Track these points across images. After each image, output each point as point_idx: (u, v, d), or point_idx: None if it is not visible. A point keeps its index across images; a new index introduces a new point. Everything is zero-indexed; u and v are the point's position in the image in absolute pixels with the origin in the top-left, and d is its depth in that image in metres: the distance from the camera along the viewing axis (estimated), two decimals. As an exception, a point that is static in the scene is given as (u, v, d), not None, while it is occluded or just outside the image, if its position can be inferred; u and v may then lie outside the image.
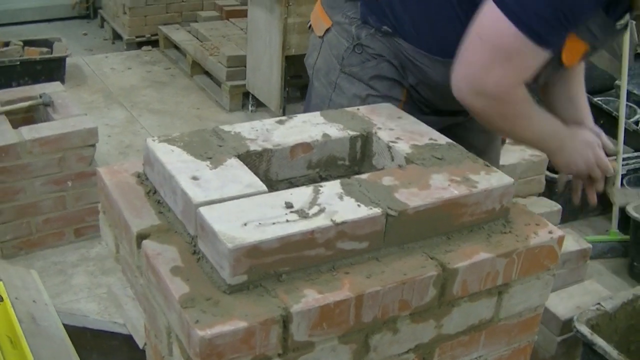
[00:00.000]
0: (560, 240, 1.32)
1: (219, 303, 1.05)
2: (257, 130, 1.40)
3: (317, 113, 1.50)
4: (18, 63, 4.70)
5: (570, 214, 3.61)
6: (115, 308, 1.99)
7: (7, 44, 4.91)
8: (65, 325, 1.66)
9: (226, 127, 1.40)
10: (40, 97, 3.20)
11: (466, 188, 1.25)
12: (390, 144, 1.40)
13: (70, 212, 3.12)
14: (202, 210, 1.12)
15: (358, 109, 1.54)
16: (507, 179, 1.30)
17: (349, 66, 1.80)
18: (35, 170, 2.95)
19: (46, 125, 3.03)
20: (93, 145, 3.06)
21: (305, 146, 1.38)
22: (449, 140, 1.43)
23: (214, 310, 1.04)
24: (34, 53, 4.83)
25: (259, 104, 4.78)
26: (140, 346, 1.60)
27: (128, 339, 1.72)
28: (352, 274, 1.13)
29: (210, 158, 1.28)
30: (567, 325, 2.53)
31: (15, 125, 3.04)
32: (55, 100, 3.22)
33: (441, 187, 1.24)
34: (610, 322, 2.43)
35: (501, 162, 2.97)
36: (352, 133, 1.43)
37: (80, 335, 1.70)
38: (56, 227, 3.12)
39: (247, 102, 4.85)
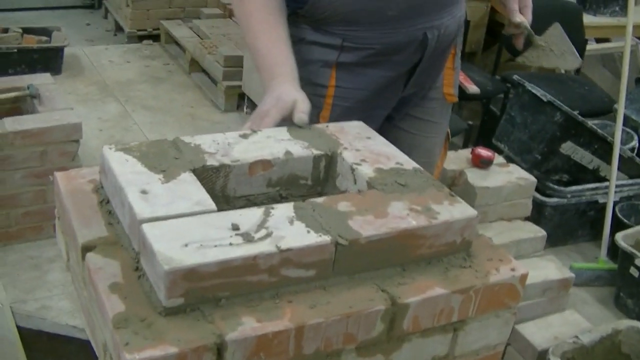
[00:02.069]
0: (523, 278, 1.27)
1: (152, 325, 1.01)
2: (218, 143, 1.36)
3: (284, 128, 1.46)
4: (15, 51, 4.66)
5: (560, 239, 3.57)
6: (78, 311, 1.95)
7: (6, 31, 4.87)
8: (20, 328, 1.62)
9: (187, 139, 1.36)
10: (28, 88, 3.17)
11: (426, 219, 1.20)
12: (354, 166, 1.35)
13: (50, 206, 3.07)
14: (145, 227, 1.08)
15: (327, 126, 1.50)
16: (470, 211, 1.25)
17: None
18: (16, 162, 2.91)
19: (30, 117, 3.00)
20: (77, 141, 3.02)
21: (265, 163, 1.34)
22: (416, 166, 1.38)
23: (146, 333, 1.00)
24: (31, 41, 4.80)
25: (254, 106, 4.72)
26: (97, 354, 1.56)
27: (86, 345, 1.68)
28: (295, 303, 1.08)
29: (164, 171, 1.24)
30: (542, 355, 2.49)
31: (1, 115, 3.00)
32: (43, 92, 3.18)
33: (399, 216, 1.20)
34: (587, 356, 2.40)
35: (487, 184, 2.93)
36: (316, 152, 1.39)
37: (36, 338, 1.66)
38: (35, 220, 3.08)
39: (242, 103, 4.81)
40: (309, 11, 1.74)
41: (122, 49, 5.66)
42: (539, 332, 2.55)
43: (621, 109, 3.39)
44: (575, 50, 2.16)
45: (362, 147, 1.43)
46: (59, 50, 4.87)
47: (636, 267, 3.10)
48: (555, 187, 3.52)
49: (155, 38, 5.84)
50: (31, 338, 1.63)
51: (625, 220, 3.51)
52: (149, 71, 5.29)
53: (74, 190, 1.32)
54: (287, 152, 1.36)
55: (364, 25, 1.75)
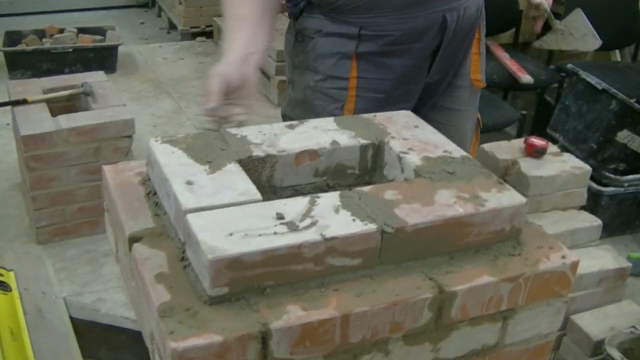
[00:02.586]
0: (574, 265, 1.24)
1: (197, 314, 1.02)
2: (264, 134, 1.36)
3: (331, 119, 1.46)
4: (70, 50, 4.75)
5: (617, 229, 3.50)
6: (129, 302, 1.97)
7: (61, 31, 4.96)
8: (74, 319, 1.65)
9: (233, 130, 1.37)
10: (82, 86, 3.22)
11: (473, 206, 1.18)
12: (401, 155, 1.34)
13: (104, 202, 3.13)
14: (190, 217, 1.08)
15: (374, 116, 1.49)
16: (519, 198, 1.23)
17: (296, 58, 1.83)
18: (71, 159, 2.96)
19: (84, 114, 3.04)
20: (130, 137, 3.06)
21: (312, 153, 1.33)
22: (464, 154, 1.36)
23: (190, 322, 1.00)
24: (86, 41, 4.88)
25: (306, 100, 4.74)
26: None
27: (138, 335, 1.70)
28: (341, 292, 1.08)
29: (209, 162, 1.24)
30: (599, 346, 2.44)
31: (56, 113, 3.06)
32: (96, 89, 3.23)
33: (446, 204, 1.18)
34: (643, 346, 2.34)
35: (540, 173, 2.88)
36: (362, 141, 1.38)
37: (89, 329, 1.69)
38: (90, 215, 3.13)
39: (294, 97, 4.81)
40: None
41: (176, 47, 5.71)
42: (595, 323, 2.50)
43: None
44: (595, 33, 2.11)
45: (410, 135, 1.42)
46: (113, 49, 4.94)
47: (696, 257, 3.03)
48: (612, 176, 3.45)
49: (208, 35, 5.88)
50: (85, 329, 1.66)
51: (684, 210, 3.43)
52: (202, 67, 5.33)
53: (122, 183, 1.34)
54: (334, 142, 1.36)
55: (381, 11, 1.72)
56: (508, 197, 1.23)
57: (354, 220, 1.11)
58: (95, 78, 3.35)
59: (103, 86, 3.27)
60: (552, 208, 2.91)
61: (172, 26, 6.10)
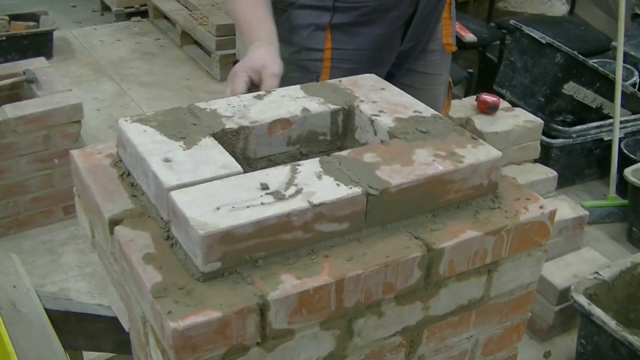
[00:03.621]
0: (552, 215, 1.26)
1: (192, 292, 1.00)
2: (233, 106, 1.34)
3: (298, 87, 1.44)
4: (4, 38, 4.63)
5: (568, 179, 3.57)
6: (101, 289, 1.95)
7: (-8, 19, 4.83)
8: (48, 310, 1.62)
9: (202, 105, 1.34)
10: (24, 73, 3.14)
11: (451, 163, 1.19)
12: (373, 118, 1.34)
13: (57, 190, 3.08)
14: (174, 194, 1.06)
15: (340, 81, 1.48)
16: (494, 152, 1.24)
17: None
18: (21, 148, 2.90)
19: (30, 102, 2.98)
20: (78, 122, 3.01)
21: (284, 122, 1.32)
22: (435, 112, 1.37)
23: (187, 300, 0.99)
24: (20, 27, 4.76)
25: (250, 74, 4.70)
26: (126, 329, 1.56)
27: (114, 321, 1.67)
28: (332, 257, 1.08)
29: (183, 138, 1.22)
30: (564, 294, 2.50)
31: (-1, 103, 2.98)
32: (39, 76, 3.16)
33: (425, 162, 1.19)
34: (608, 291, 2.40)
35: (495, 129, 2.92)
36: (332, 107, 1.37)
37: (63, 319, 1.65)
38: (44, 205, 3.08)
39: (238, 71, 4.77)
40: None
41: (112, 28, 5.61)
42: (558, 272, 2.55)
43: (620, 45, 3.37)
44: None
45: (378, 98, 1.41)
46: (49, 34, 4.83)
47: (647, 200, 3.11)
48: (560, 127, 3.51)
49: (143, 14, 5.80)
50: (59, 320, 1.62)
51: (632, 156, 3.51)
52: (140, 48, 5.25)
53: (93, 166, 1.31)
54: (305, 109, 1.35)
55: None
56: (484, 152, 1.24)
57: (338, 185, 1.10)
58: (36, 64, 3.27)
59: (46, 72, 3.20)
60: (507, 163, 2.96)
61: (106, 8, 5.98)
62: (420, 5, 1.79)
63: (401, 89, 1.89)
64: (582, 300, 2.26)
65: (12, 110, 2.87)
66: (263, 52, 1.57)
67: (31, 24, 4.85)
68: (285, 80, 1.70)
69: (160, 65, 4.98)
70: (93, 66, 4.90)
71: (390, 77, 1.93)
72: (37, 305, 1.58)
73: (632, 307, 2.50)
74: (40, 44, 4.77)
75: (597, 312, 2.22)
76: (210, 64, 4.86)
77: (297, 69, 1.80)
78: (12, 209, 3.01)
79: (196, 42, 5.12)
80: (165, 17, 5.52)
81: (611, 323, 2.18)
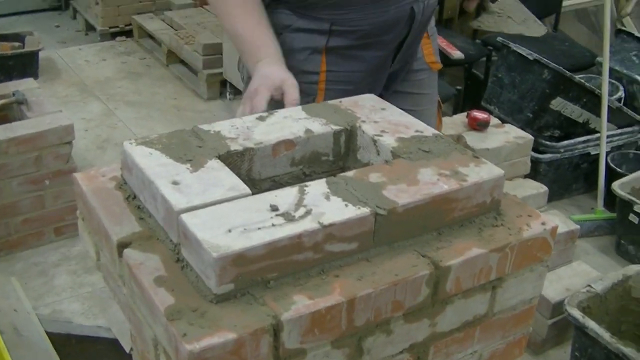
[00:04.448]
0: (554, 231, 1.28)
1: (205, 314, 1.01)
2: (237, 128, 1.36)
3: (299, 107, 1.46)
4: (-10, 59, 4.60)
5: (556, 194, 3.60)
6: (100, 311, 1.94)
7: (-24, 41, 4.81)
8: (48, 333, 1.62)
9: (205, 127, 1.36)
10: (14, 94, 3.13)
11: (456, 182, 1.21)
12: (376, 138, 1.36)
13: (49, 211, 3.07)
14: (184, 217, 1.07)
15: (340, 102, 1.50)
16: (497, 171, 1.26)
17: None
18: (12, 170, 2.89)
19: (21, 124, 2.97)
20: (70, 143, 3.00)
21: (288, 143, 1.34)
22: (436, 132, 1.39)
23: (201, 322, 1.00)
24: (5, 48, 4.73)
25: (237, 92, 4.72)
26: (127, 350, 1.56)
27: (114, 343, 1.68)
28: (342, 277, 1.09)
29: (190, 160, 1.23)
30: (557, 308, 2.52)
31: (-11, 125, 2.97)
32: (29, 97, 3.15)
33: (430, 182, 1.21)
34: (601, 303, 2.42)
35: (486, 145, 2.95)
36: (335, 127, 1.39)
37: (64, 342, 1.66)
38: (35, 227, 3.07)
39: (224, 90, 4.79)
40: None
41: (96, 48, 5.60)
42: (550, 286, 2.57)
43: (606, 61, 3.42)
44: (536, 19, 2.16)
45: (380, 118, 1.43)
46: (34, 55, 4.81)
47: (635, 213, 3.14)
48: (548, 143, 3.55)
49: (128, 34, 5.79)
50: (60, 343, 1.62)
51: (618, 169, 3.55)
52: (126, 67, 5.25)
53: (97, 189, 1.31)
54: (307, 130, 1.36)
55: (354, 7, 1.72)
56: (487, 171, 1.26)
57: (346, 205, 1.12)
58: (25, 85, 3.26)
59: (35, 93, 3.20)
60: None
61: (90, 27, 5.97)
62: (413, 29, 1.81)
63: None
64: (576, 313, 2.28)
65: (3, 132, 2.86)
66: (277, 68, 1.61)
67: (16, 44, 4.83)
68: (280, 104, 1.71)
69: (147, 84, 4.98)
70: (79, 86, 4.89)
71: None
72: (38, 329, 1.58)
73: (623, 319, 2.53)
74: (25, 65, 4.75)
75: (591, 324, 2.24)
76: (197, 83, 4.87)
77: None
78: (3, 230, 2.99)
79: (182, 61, 5.12)
80: (150, 37, 5.52)
81: (605, 335, 2.20)
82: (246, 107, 1.56)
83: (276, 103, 1.55)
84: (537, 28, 2.36)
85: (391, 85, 1.95)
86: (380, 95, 1.90)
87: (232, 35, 1.70)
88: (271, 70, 1.60)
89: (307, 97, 1.75)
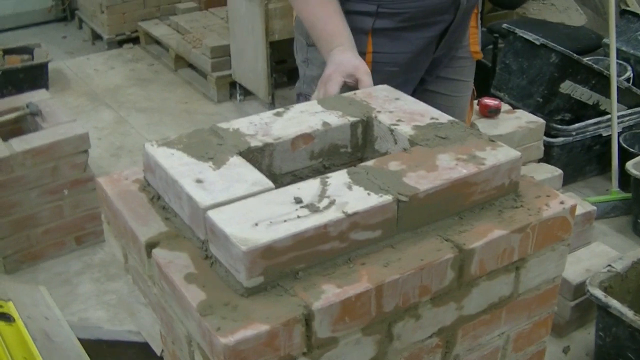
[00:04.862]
0: (573, 209, 1.30)
1: (237, 307, 1.03)
2: (255, 125, 1.38)
3: (314, 101, 1.48)
4: (0, 73, 4.64)
5: (570, 177, 3.60)
6: (128, 316, 1.97)
7: (-15, 55, 4.86)
8: (79, 339, 1.64)
9: (224, 125, 1.38)
10: (27, 106, 3.16)
11: (474, 166, 1.23)
12: (392, 127, 1.37)
13: (68, 220, 3.09)
14: (211, 213, 1.09)
15: (355, 94, 1.52)
16: (514, 153, 1.28)
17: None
18: (30, 181, 2.91)
19: (36, 135, 2.99)
20: (85, 151, 3.03)
21: (306, 137, 1.35)
22: (450, 118, 1.40)
23: (233, 315, 1.02)
24: (14, 61, 4.78)
25: (246, 93, 4.75)
26: (158, 353, 1.59)
27: (144, 347, 1.71)
28: (368, 264, 1.11)
29: (211, 158, 1.25)
30: (579, 289, 2.53)
31: (4, 137, 3.00)
32: (42, 108, 3.18)
33: (449, 167, 1.22)
34: (622, 282, 2.43)
35: (499, 132, 2.96)
36: (352, 119, 1.40)
37: (95, 348, 1.68)
38: (56, 237, 3.09)
39: (234, 91, 4.82)
40: None
41: (104, 57, 5.64)
42: (570, 267, 2.58)
43: (613, 42, 3.42)
44: (578, 7, 2.18)
45: (394, 108, 1.45)
46: (44, 67, 4.85)
47: (651, 191, 3.15)
48: (560, 126, 3.55)
49: (134, 41, 5.83)
50: (92, 348, 1.65)
51: (631, 149, 3.55)
52: (135, 74, 5.28)
53: (121, 192, 1.34)
54: (325, 123, 1.38)
55: None
56: (504, 153, 1.27)
57: (368, 194, 1.14)
58: (38, 97, 3.29)
59: (48, 104, 3.22)
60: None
61: (97, 36, 6.01)
62: (459, 15, 1.84)
63: (433, 96, 1.96)
64: (598, 293, 2.30)
65: (19, 144, 2.89)
66: (350, 55, 1.66)
67: (25, 56, 4.87)
68: (353, 89, 1.77)
69: (157, 90, 5.01)
70: (90, 95, 4.93)
71: (421, 83, 1.99)
72: (70, 335, 1.60)
73: (645, 297, 2.54)
74: (35, 77, 4.79)
75: (614, 303, 2.25)
76: (207, 86, 4.89)
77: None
78: (25, 242, 3.02)
79: (190, 65, 5.15)
80: (157, 42, 5.55)
81: (629, 313, 2.21)
82: (320, 92, 1.61)
83: (349, 89, 1.60)
84: (578, 17, 2.38)
85: (434, 71, 2.00)
86: (423, 80, 1.96)
87: (307, 24, 1.76)
88: (345, 58, 1.65)
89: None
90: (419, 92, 1.99)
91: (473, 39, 2.03)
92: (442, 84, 2.02)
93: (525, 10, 2.11)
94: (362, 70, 1.62)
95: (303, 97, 1.99)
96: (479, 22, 2.04)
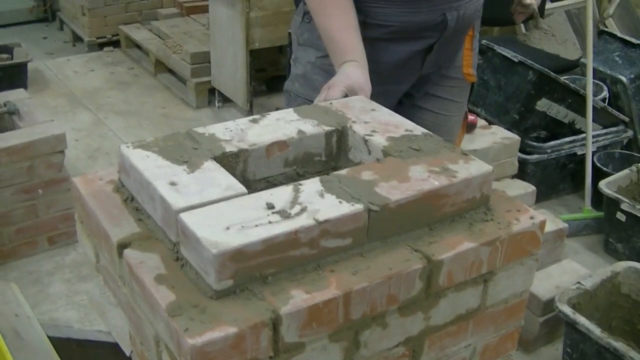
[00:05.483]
0: (542, 225, 1.32)
1: (206, 309, 1.04)
2: (231, 130, 1.38)
3: (291, 110, 1.49)
4: (-21, 72, 4.62)
5: (543, 194, 3.64)
6: (99, 316, 1.97)
7: (-35, 54, 4.83)
8: (49, 337, 1.64)
9: (200, 129, 1.38)
10: (5, 105, 3.15)
11: (446, 178, 1.24)
12: (367, 137, 1.39)
13: (42, 220, 3.08)
14: (183, 216, 1.10)
15: (331, 104, 1.53)
16: (486, 167, 1.30)
17: (301, 36, 1.93)
18: (4, 180, 2.90)
19: (13, 133, 2.98)
20: (62, 152, 3.02)
21: (281, 144, 1.37)
22: (425, 131, 1.42)
23: (202, 317, 1.02)
24: (-6, 60, 4.76)
25: (225, 100, 4.75)
26: (127, 353, 1.59)
27: (114, 347, 1.70)
28: (337, 272, 1.12)
29: (186, 162, 1.26)
30: (548, 305, 2.55)
31: (-19, 136, 2.98)
32: (20, 107, 3.17)
33: (421, 178, 1.24)
34: (590, 300, 2.46)
35: (474, 146, 2.99)
36: (327, 128, 1.42)
37: (65, 347, 1.67)
38: (29, 236, 3.08)
39: (213, 98, 4.82)
40: None
41: (84, 59, 5.62)
42: (540, 284, 2.61)
43: (590, 61, 3.46)
44: (576, 41, 2.22)
45: (370, 119, 1.46)
46: (23, 66, 4.83)
47: (622, 211, 3.19)
48: (535, 144, 3.59)
49: (115, 44, 5.82)
50: (61, 347, 1.64)
51: (605, 169, 3.60)
52: (114, 77, 5.27)
53: (95, 192, 1.34)
54: (300, 132, 1.39)
55: (387, 2, 1.80)
56: (476, 167, 1.29)
57: (340, 202, 1.15)
58: (16, 96, 3.28)
59: (26, 103, 3.21)
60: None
61: (77, 38, 6.00)
62: (445, 34, 1.87)
63: (421, 112, 2.00)
64: (567, 309, 2.32)
65: (-5, 142, 2.88)
66: (360, 74, 1.68)
67: (4, 56, 4.85)
68: (309, 82, 1.79)
69: (136, 94, 5.00)
70: (68, 97, 4.91)
71: (409, 98, 2.01)
72: (39, 333, 1.60)
73: (613, 315, 2.57)
74: (14, 76, 4.76)
75: (582, 320, 2.28)
76: (186, 92, 4.90)
77: (322, 73, 1.90)
78: (-4, 241, 3.01)
79: (170, 70, 5.15)
80: (138, 47, 5.55)
81: (596, 330, 2.24)
82: (322, 96, 1.63)
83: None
84: (573, 51, 2.42)
85: (422, 87, 2.03)
86: (411, 95, 1.97)
87: (322, 32, 1.78)
88: (355, 74, 1.67)
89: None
90: (407, 106, 2.01)
91: (467, 61, 2.05)
92: (430, 101, 2.05)
93: (526, 37, 2.15)
94: (365, 92, 1.64)
95: (287, 94, 2.02)
96: (476, 45, 2.06)
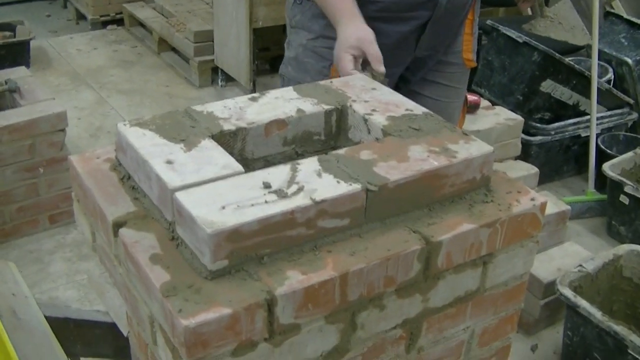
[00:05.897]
0: (543, 206, 1.30)
1: (201, 290, 1.03)
2: (229, 108, 1.37)
3: (290, 88, 1.47)
4: (-19, 49, 4.60)
5: (547, 176, 3.62)
6: (98, 296, 1.96)
7: (-33, 31, 4.81)
8: (46, 317, 1.63)
9: (198, 107, 1.37)
10: (6, 83, 3.14)
11: (446, 158, 1.23)
12: (366, 117, 1.37)
13: (43, 198, 3.08)
14: (179, 195, 1.09)
15: (331, 82, 1.51)
16: (486, 148, 1.28)
17: (294, 18, 1.91)
18: (6, 158, 2.89)
19: (14, 112, 2.97)
20: (63, 130, 3.01)
21: (280, 123, 1.35)
22: (426, 110, 1.40)
23: (196, 298, 1.01)
24: (-4, 38, 4.74)
25: (228, 79, 4.73)
26: (125, 334, 1.58)
27: (112, 327, 1.69)
28: (334, 253, 1.11)
29: (183, 140, 1.25)
30: (549, 288, 2.54)
31: (-19, 114, 2.97)
32: (21, 85, 3.16)
33: (420, 158, 1.22)
34: (592, 283, 2.45)
35: (477, 127, 2.97)
36: (326, 107, 1.40)
37: (62, 326, 1.66)
38: (30, 215, 3.08)
39: (216, 77, 4.80)
40: None
41: (88, 37, 5.60)
42: (542, 266, 2.60)
43: (595, 43, 3.43)
44: (584, 27, 2.19)
45: (370, 98, 1.44)
46: (26, 44, 4.81)
47: (626, 194, 3.17)
48: (539, 125, 3.57)
49: (119, 22, 5.79)
50: (58, 327, 1.63)
51: (609, 151, 3.57)
52: (118, 56, 5.25)
53: (92, 171, 1.33)
54: (299, 110, 1.38)
55: None
56: (476, 147, 1.28)
57: (338, 182, 1.13)
58: (17, 74, 3.27)
59: (27, 82, 3.20)
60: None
61: (81, 16, 5.97)
62: (437, 13, 1.84)
63: (420, 99, 1.99)
64: (568, 292, 2.31)
65: (-3, 120, 2.87)
66: (352, 28, 1.68)
67: (7, 34, 4.83)
68: (300, 65, 1.77)
69: (139, 72, 4.98)
70: (71, 75, 4.89)
71: (405, 82, 1.98)
72: (36, 313, 1.59)
73: (615, 298, 2.56)
74: (17, 54, 4.75)
75: (583, 303, 2.27)
76: (189, 71, 4.87)
77: (313, 55, 1.88)
78: (-2, 219, 3.01)
79: (173, 49, 5.13)
80: (141, 25, 5.52)
81: (597, 314, 2.23)
82: (341, 74, 1.63)
83: (364, 61, 1.64)
84: (582, 37, 2.39)
85: (418, 72, 2.00)
86: (407, 80, 1.95)
87: (320, 2, 1.78)
88: (347, 32, 1.67)
89: (324, 61, 1.80)
90: (404, 91, 1.98)
91: (467, 46, 2.03)
92: (429, 87, 2.02)
93: (532, 26, 2.12)
94: (366, 40, 1.64)
95: (282, 78, 2.01)
96: (475, 29, 2.03)
